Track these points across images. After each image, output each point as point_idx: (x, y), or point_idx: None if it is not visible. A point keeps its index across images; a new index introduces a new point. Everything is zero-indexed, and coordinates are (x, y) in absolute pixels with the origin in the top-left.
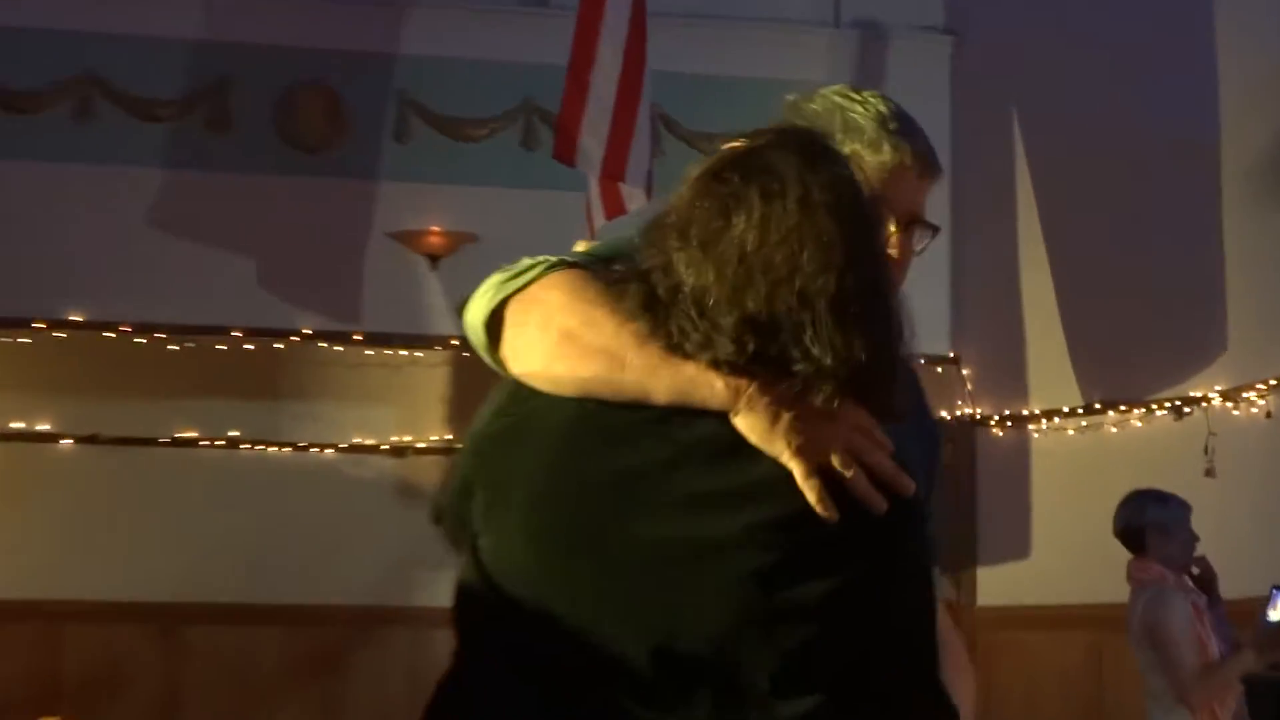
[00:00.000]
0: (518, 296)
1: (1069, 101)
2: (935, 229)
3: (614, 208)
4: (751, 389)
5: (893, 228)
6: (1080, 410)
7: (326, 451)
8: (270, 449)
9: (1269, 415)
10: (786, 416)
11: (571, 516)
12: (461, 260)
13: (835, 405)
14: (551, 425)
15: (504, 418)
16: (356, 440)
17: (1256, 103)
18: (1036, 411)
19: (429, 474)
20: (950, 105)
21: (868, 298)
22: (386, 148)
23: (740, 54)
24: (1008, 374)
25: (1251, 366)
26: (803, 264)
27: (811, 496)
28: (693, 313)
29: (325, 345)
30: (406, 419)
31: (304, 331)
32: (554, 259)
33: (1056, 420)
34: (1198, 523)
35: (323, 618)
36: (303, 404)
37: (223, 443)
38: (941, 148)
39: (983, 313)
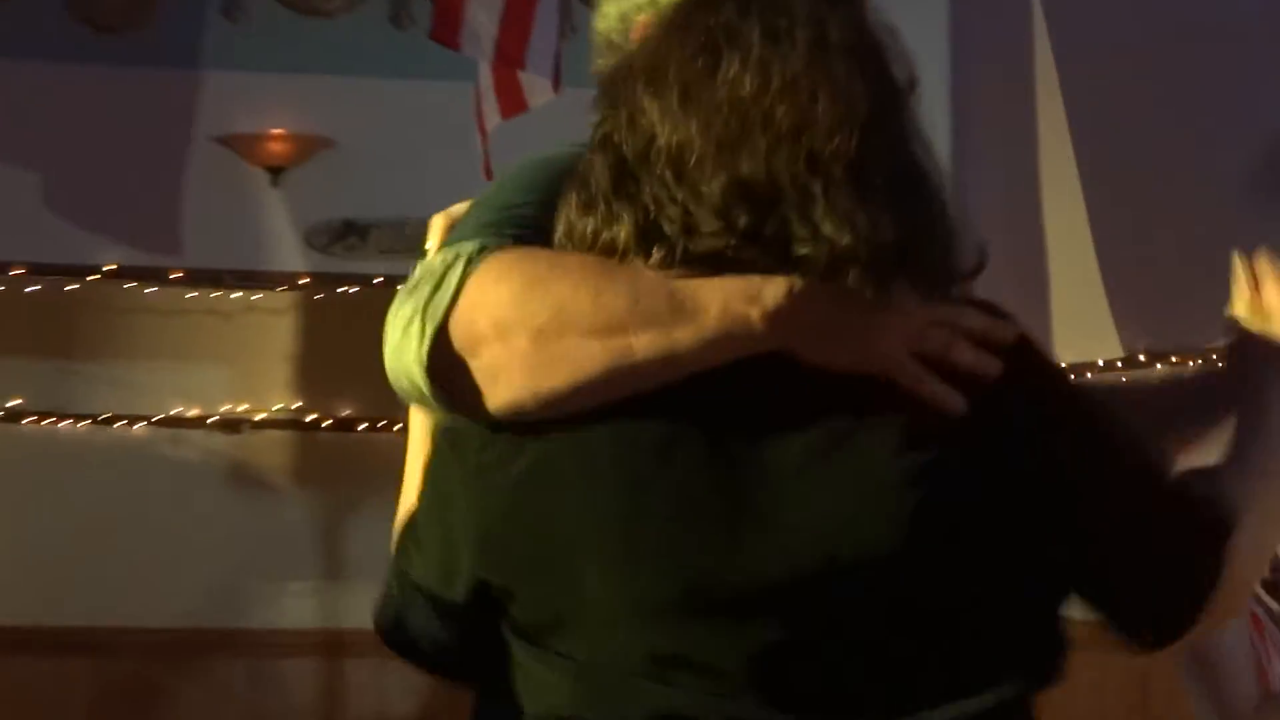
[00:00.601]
0: (454, 318)
1: (1114, 97)
2: None
3: (513, 103)
4: (796, 307)
5: None
6: (1120, 363)
7: (136, 426)
8: (61, 423)
9: None
10: (853, 320)
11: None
12: (312, 173)
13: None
14: (590, 468)
15: (500, 493)
16: (175, 410)
17: None
18: (1064, 366)
19: (272, 455)
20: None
21: (898, 163)
22: (212, 25)
23: None
24: (1029, 318)
25: None
26: (815, 117)
27: (927, 391)
28: (668, 175)
29: (133, 286)
30: (241, 382)
31: (105, 268)
32: (470, 245)
33: (1090, 376)
34: None
35: (139, 645)
36: (104, 364)
37: None
38: (936, 37)
39: (996, 248)
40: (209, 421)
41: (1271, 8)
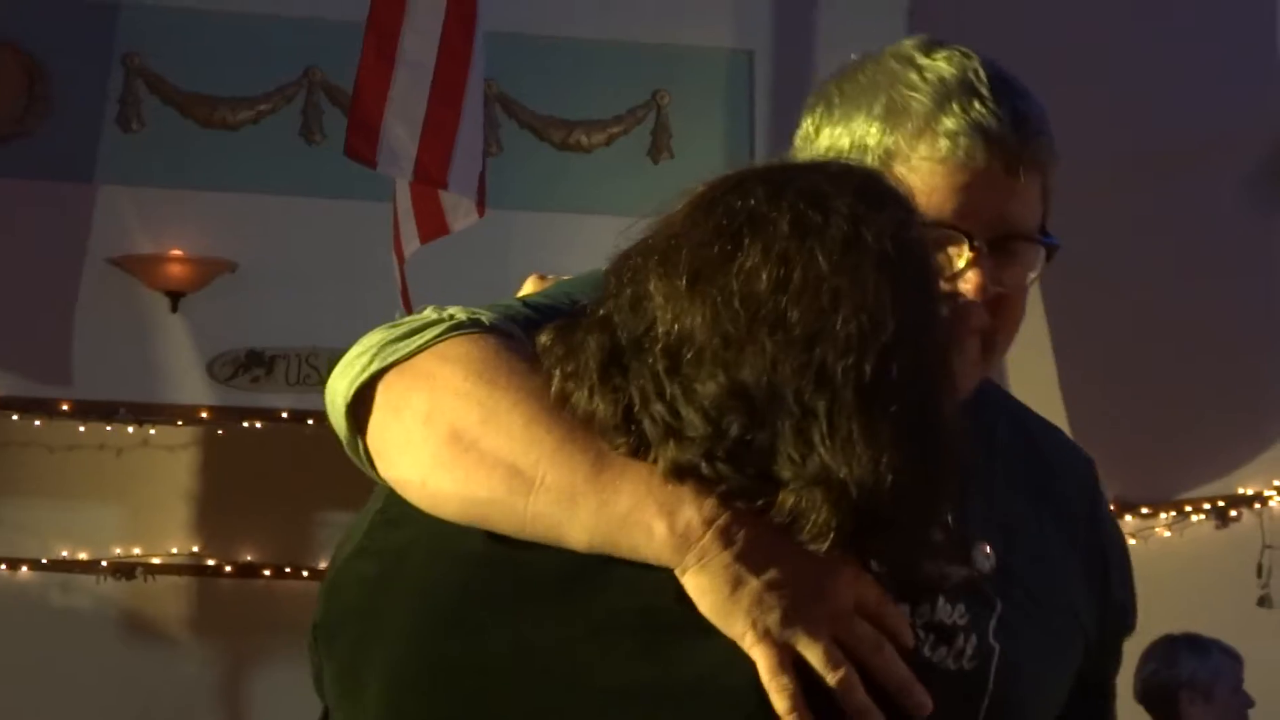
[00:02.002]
0: (399, 368)
1: (1063, 74)
2: (1047, 245)
3: (433, 225)
4: (707, 538)
5: (965, 253)
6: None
7: (20, 570)
8: None
9: None
10: (754, 582)
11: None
12: (215, 297)
13: (832, 554)
14: (428, 575)
15: (364, 558)
16: (63, 554)
17: None
18: None
19: (168, 603)
20: None
21: (916, 395)
22: (107, 136)
23: (610, 10)
24: None
25: None
26: (834, 327)
27: (780, 704)
28: (660, 368)
29: (19, 418)
30: (135, 524)
31: None
32: (464, 312)
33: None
34: (1252, 674)
35: None
36: None
37: None
38: None
39: None
40: (101, 566)
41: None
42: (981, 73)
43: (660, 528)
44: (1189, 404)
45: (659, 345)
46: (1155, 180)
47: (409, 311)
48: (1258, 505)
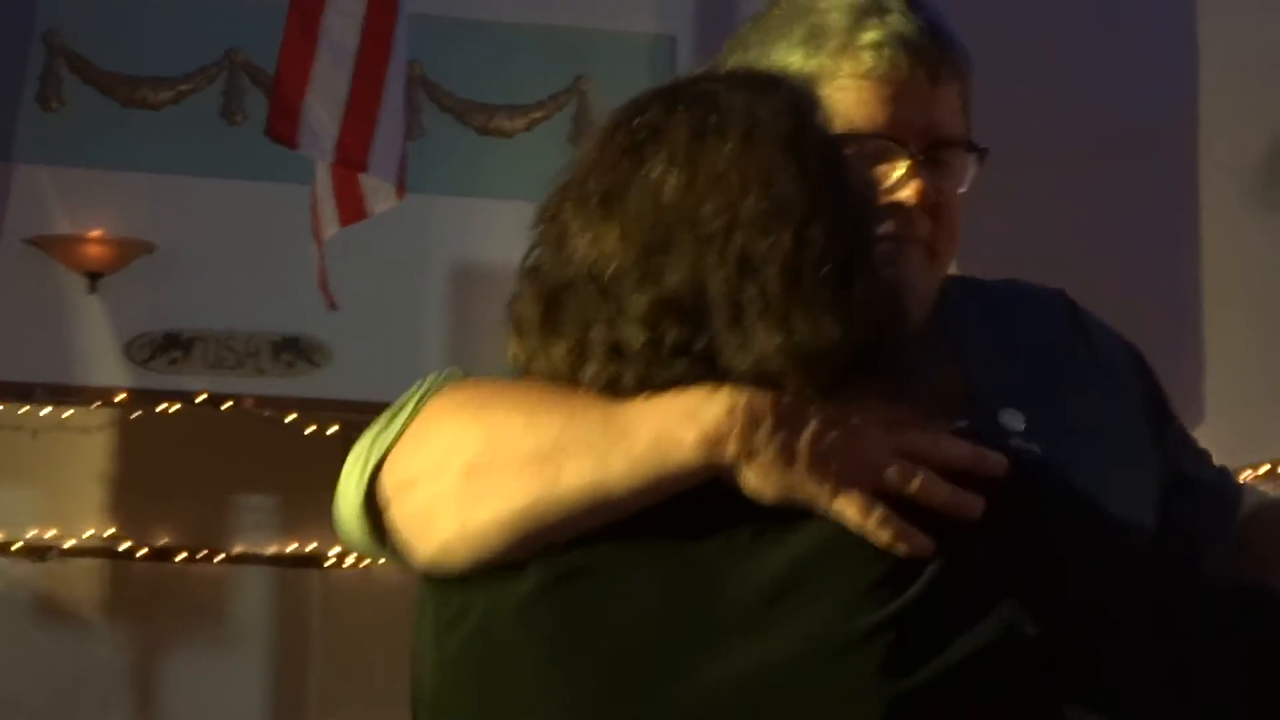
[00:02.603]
0: (392, 456)
1: (992, 62)
2: (976, 148)
3: (352, 208)
4: (738, 426)
5: (903, 162)
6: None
7: None
8: None
9: None
10: (802, 446)
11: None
12: (133, 279)
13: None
14: (511, 639)
15: (441, 655)
16: None
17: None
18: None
19: (85, 585)
20: None
21: (842, 255)
22: (25, 115)
23: None
24: None
25: (1238, 445)
26: (745, 214)
27: (886, 535)
28: (587, 297)
29: None
30: (50, 506)
31: None
32: (431, 378)
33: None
34: None
35: None
36: None
37: None
38: None
39: None
40: (13, 548)
41: None
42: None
43: (690, 435)
44: None
45: (585, 274)
46: (1077, 172)
47: (325, 293)
48: None
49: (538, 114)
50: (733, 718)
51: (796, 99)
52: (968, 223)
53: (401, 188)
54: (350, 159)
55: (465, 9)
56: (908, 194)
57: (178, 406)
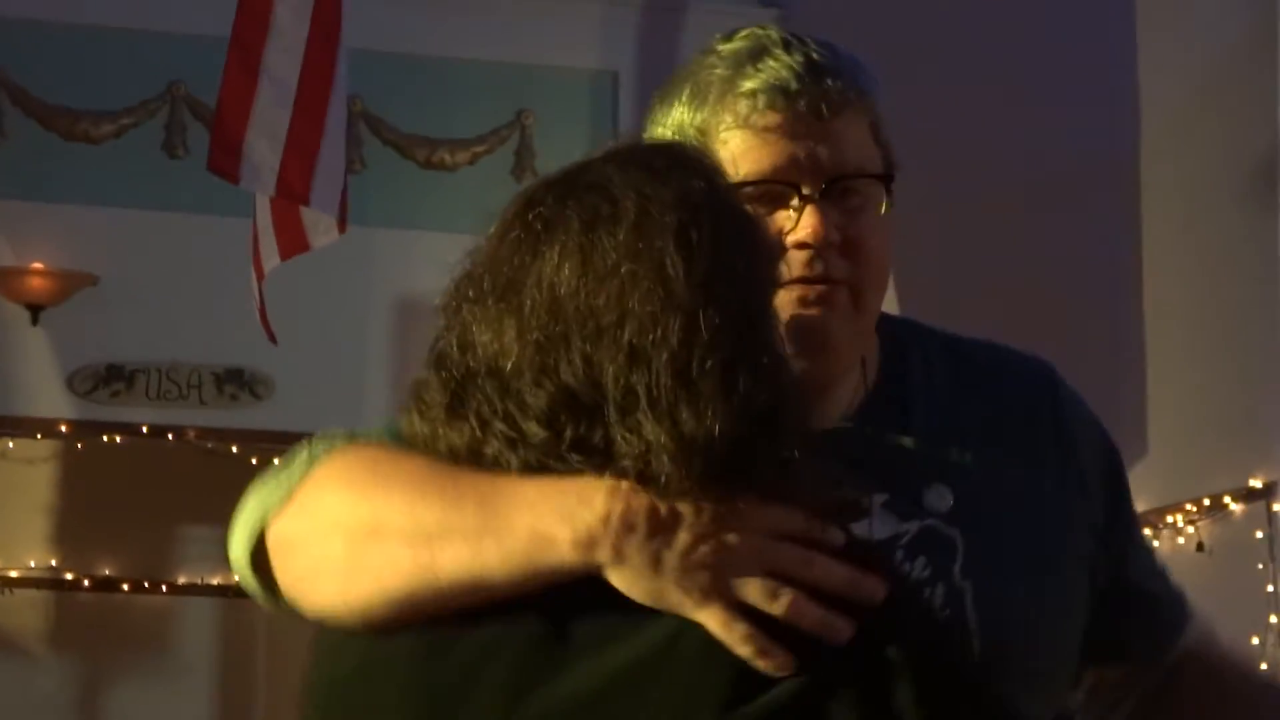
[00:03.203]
0: (280, 517)
1: (925, 95)
2: (880, 176)
3: (294, 241)
4: (611, 531)
5: (794, 203)
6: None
7: None
8: None
9: (1201, 547)
10: (671, 554)
11: None
12: (75, 311)
13: (703, 503)
14: (383, 701)
15: (322, 693)
16: None
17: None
18: None
19: (25, 616)
20: None
21: (732, 347)
22: None
23: (476, 29)
24: None
25: (1179, 480)
26: (635, 307)
27: (746, 650)
28: (489, 389)
29: None
30: None
31: None
32: (325, 441)
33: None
34: None
35: None
36: None
37: None
38: None
39: None
40: None
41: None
42: (774, 35)
43: (565, 536)
44: None
45: (484, 369)
46: (1019, 206)
47: (266, 327)
48: None
49: (480, 148)
50: None
51: (691, 176)
52: (910, 255)
53: (343, 221)
54: (291, 192)
55: (407, 44)
56: (805, 235)
57: (120, 438)
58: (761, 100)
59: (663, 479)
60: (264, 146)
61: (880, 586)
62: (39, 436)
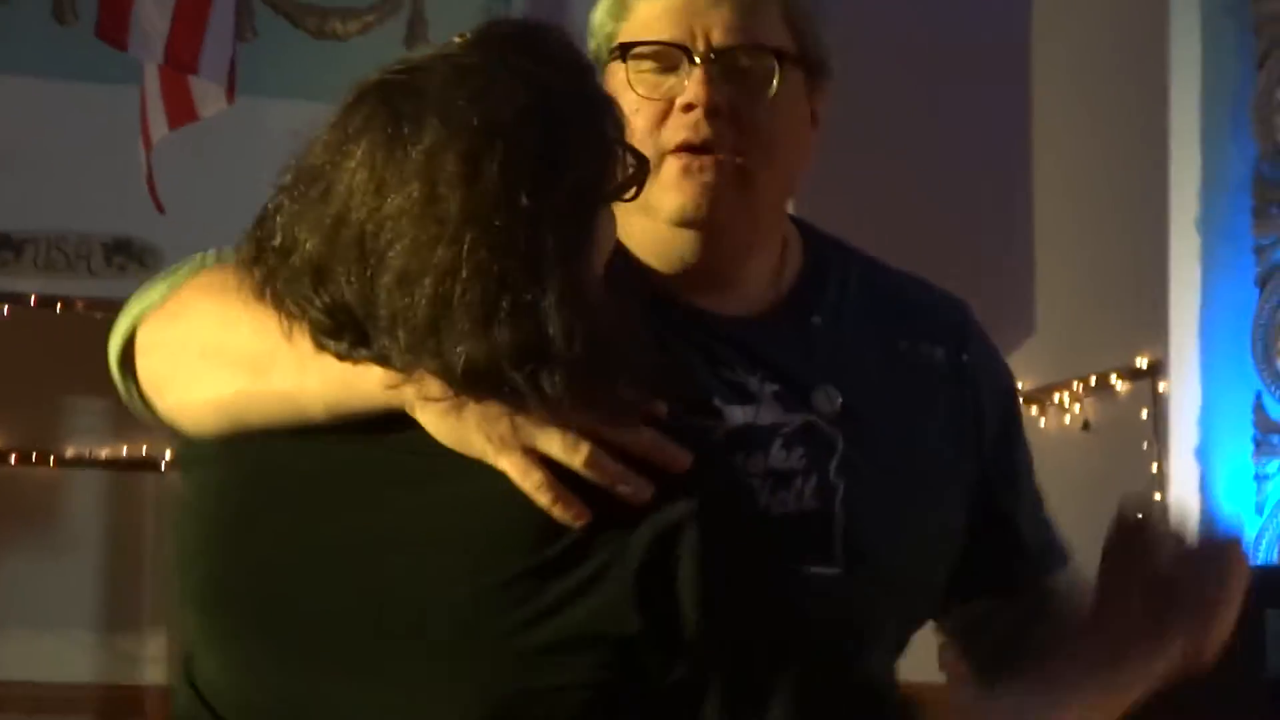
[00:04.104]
0: (153, 315)
1: None
2: (775, 52)
3: (181, 110)
4: (415, 376)
5: (683, 69)
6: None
7: None
8: None
9: (1087, 425)
10: (471, 405)
11: (252, 608)
12: None
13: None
14: (208, 487)
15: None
16: None
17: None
18: None
19: None
20: None
21: (497, 282)
22: None
23: None
24: None
25: (1065, 359)
26: (407, 230)
27: (544, 498)
28: (286, 279)
29: None
30: None
31: None
32: (200, 258)
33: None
34: None
35: None
36: None
37: None
38: None
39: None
40: None
41: None
42: None
43: (373, 375)
44: None
45: (284, 258)
46: (909, 88)
47: (154, 196)
48: None
49: (371, 18)
50: (358, 635)
51: (522, 89)
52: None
53: (231, 91)
54: (180, 62)
55: None
56: (689, 97)
57: (8, 309)
58: None
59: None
60: (153, 13)
61: (684, 455)
62: None
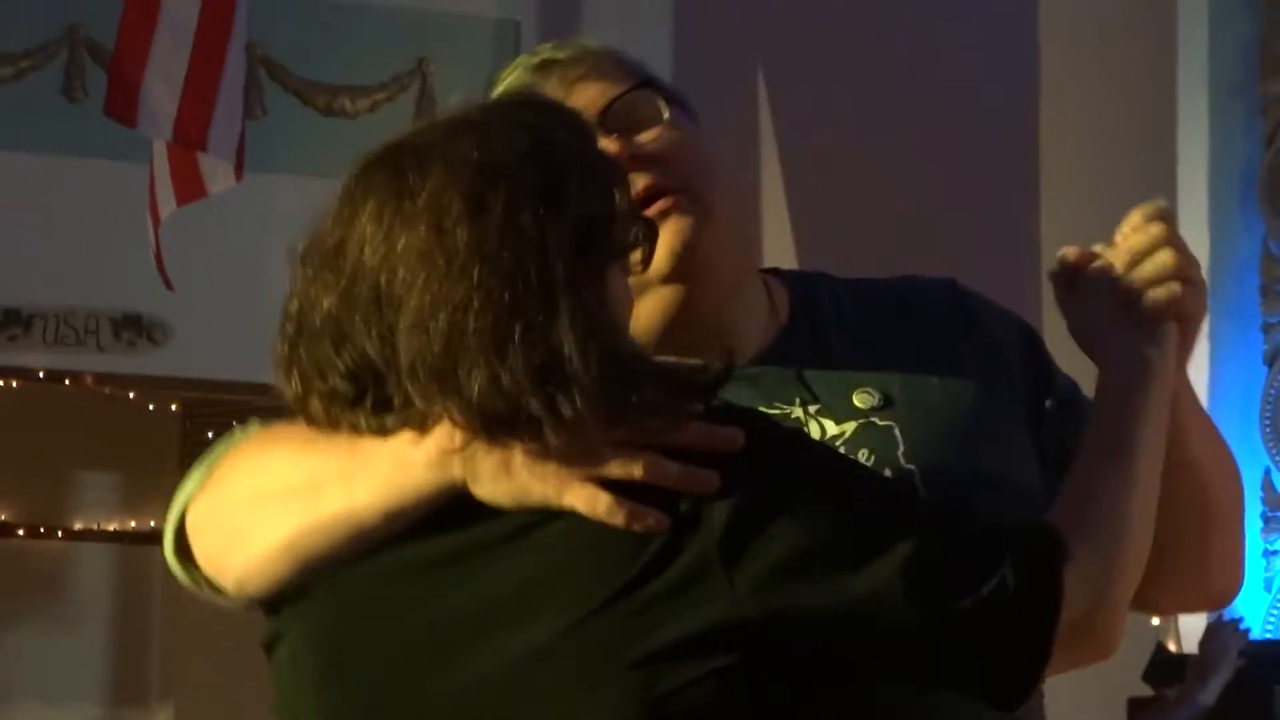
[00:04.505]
0: (197, 497)
1: (823, 54)
2: (637, 87)
3: (190, 187)
4: (458, 441)
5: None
6: None
7: None
8: None
9: None
10: (517, 453)
11: None
12: None
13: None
14: (300, 636)
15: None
16: None
17: (1088, 64)
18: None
19: None
20: (672, 50)
21: (509, 310)
22: None
23: None
24: None
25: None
26: (418, 276)
27: (618, 519)
28: (309, 347)
29: None
30: None
31: None
32: (256, 423)
33: None
34: None
35: None
36: None
37: None
38: None
39: None
40: None
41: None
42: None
43: (419, 456)
44: None
45: (306, 327)
46: (917, 140)
47: (162, 273)
48: None
49: (381, 95)
50: (497, 704)
51: (518, 132)
52: (820, 189)
53: (240, 168)
54: (188, 139)
55: None
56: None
57: (17, 383)
58: (561, 54)
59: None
60: (162, 91)
61: (737, 434)
62: None
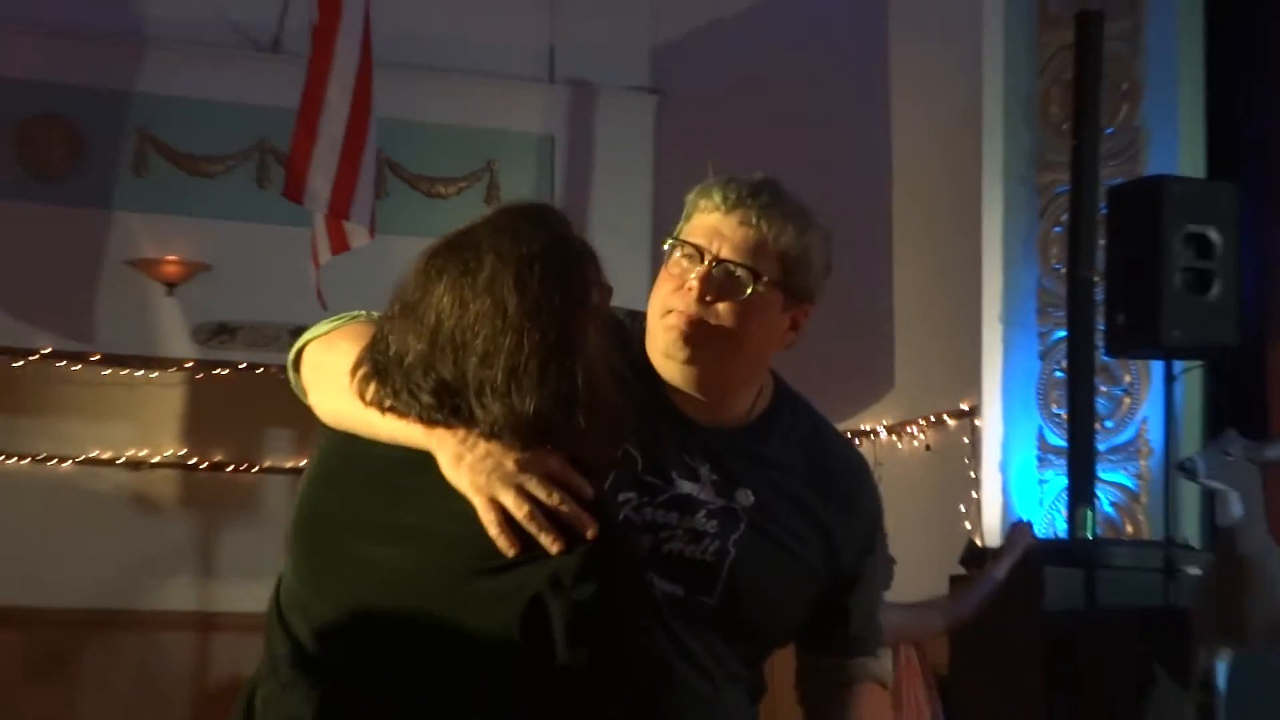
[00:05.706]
0: (317, 341)
1: (763, 157)
2: (749, 269)
3: (338, 244)
4: (439, 432)
5: (698, 263)
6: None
7: (64, 464)
8: (9, 461)
9: (928, 448)
10: (469, 457)
11: (321, 542)
12: (196, 287)
13: (515, 450)
14: (322, 452)
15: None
16: (93, 454)
17: (925, 159)
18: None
19: (163, 487)
20: (653, 159)
21: (544, 357)
22: (124, 179)
23: (460, 104)
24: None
25: (914, 403)
26: (484, 328)
27: (493, 530)
28: (396, 375)
29: (62, 364)
30: (142, 435)
31: (41, 351)
32: (357, 314)
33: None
34: None
35: (55, 621)
36: (40, 419)
37: None
38: (644, 199)
39: None
40: (118, 462)
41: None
42: (740, 182)
43: (418, 429)
44: (830, 368)
45: (395, 361)
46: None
47: (322, 303)
48: (872, 436)
49: (463, 183)
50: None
51: (538, 234)
52: None
53: (372, 230)
54: (338, 210)
55: (416, 114)
56: (689, 280)
57: (227, 371)
58: (714, 201)
59: (502, 437)
60: (320, 180)
61: (593, 525)
62: (173, 369)
